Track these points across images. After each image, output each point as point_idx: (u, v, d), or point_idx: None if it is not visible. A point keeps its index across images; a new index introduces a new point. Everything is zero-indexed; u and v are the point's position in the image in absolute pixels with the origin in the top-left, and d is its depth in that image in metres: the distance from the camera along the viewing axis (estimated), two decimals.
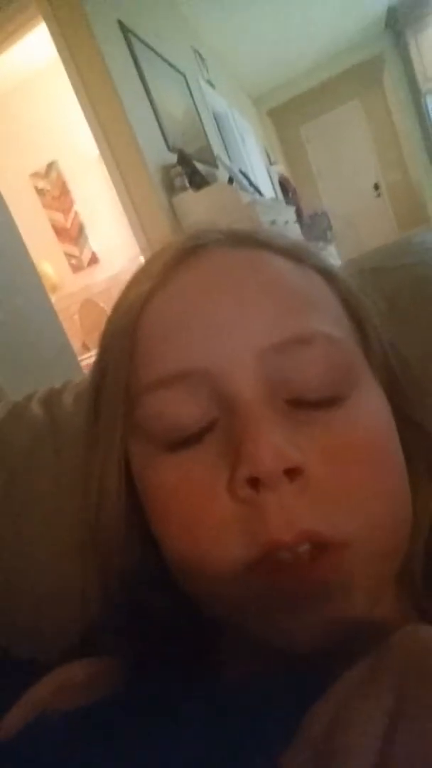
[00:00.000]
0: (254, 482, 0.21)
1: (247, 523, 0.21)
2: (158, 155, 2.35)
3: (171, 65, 2.81)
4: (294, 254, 0.26)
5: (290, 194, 4.64)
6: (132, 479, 0.27)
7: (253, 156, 4.23)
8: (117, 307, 0.28)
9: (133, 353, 0.25)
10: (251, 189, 3.12)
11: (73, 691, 0.23)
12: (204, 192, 2.31)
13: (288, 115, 5.75)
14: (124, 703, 0.22)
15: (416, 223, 5.47)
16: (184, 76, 2.99)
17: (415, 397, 0.27)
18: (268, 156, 4.89)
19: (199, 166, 2.51)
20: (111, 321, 0.28)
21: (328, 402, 0.23)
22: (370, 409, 0.24)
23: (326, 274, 0.27)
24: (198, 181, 2.35)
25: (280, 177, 4.86)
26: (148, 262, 0.28)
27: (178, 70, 2.90)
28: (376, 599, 0.22)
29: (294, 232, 3.27)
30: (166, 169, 2.34)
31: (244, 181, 3.14)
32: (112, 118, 2.14)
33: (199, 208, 2.26)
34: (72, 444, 0.38)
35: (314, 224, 4.58)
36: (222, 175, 2.95)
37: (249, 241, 0.27)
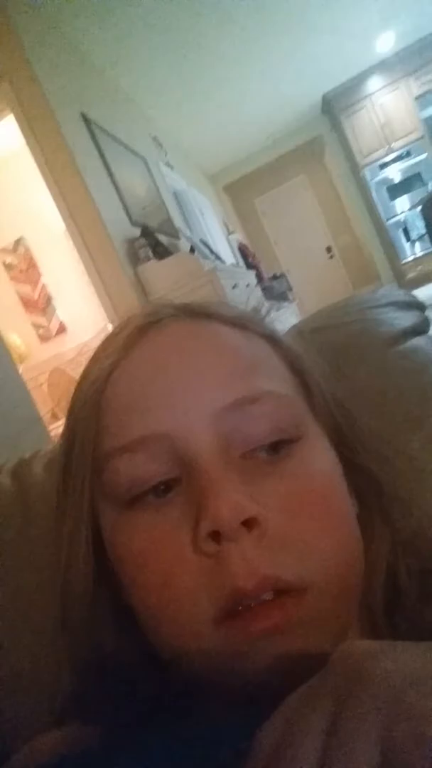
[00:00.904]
0: (216, 536, 0.22)
1: (213, 576, 0.22)
2: (122, 230, 2.49)
3: (131, 151, 3.04)
4: (240, 323, 0.29)
5: (250, 259, 4.91)
6: (102, 548, 0.27)
7: (212, 227, 4.50)
8: (82, 380, 0.30)
9: (98, 423, 0.27)
10: (212, 256, 3.30)
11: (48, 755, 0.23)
12: (167, 261, 2.43)
13: (242, 190, 6.22)
14: (98, 755, 0.22)
15: (368, 279, 5.85)
16: (144, 160, 3.22)
17: (360, 445, 0.30)
18: (226, 226, 5.21)
19: (162, 238, 2.66)
20: (77, 393, 0.30)
21: (278, 452, 0.25)
22: (318, 457, 0.26)
23: (270, 339, 0.30)
24: (161, 252, 2.48)
25: (239, 244, 5.16)
26: (110, 338, 0.30)
27: (138, 155, 3.14)
28: (338, 637, 0.23)
29: (255, 294, 3.43)
30: (131, 242, 2.47)
31: (205, 250, 3.33)
32: (77, 198, 2.28)
33: (163, 277, 2.37)
34: (43, 515, 0.38)
35: (274, 286, 4.82)
36: (184, 245, 3.12)
37: (200, 313, 0.29)
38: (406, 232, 4.96)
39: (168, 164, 3.81)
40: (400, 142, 4.94)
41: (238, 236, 5.50)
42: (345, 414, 0.30)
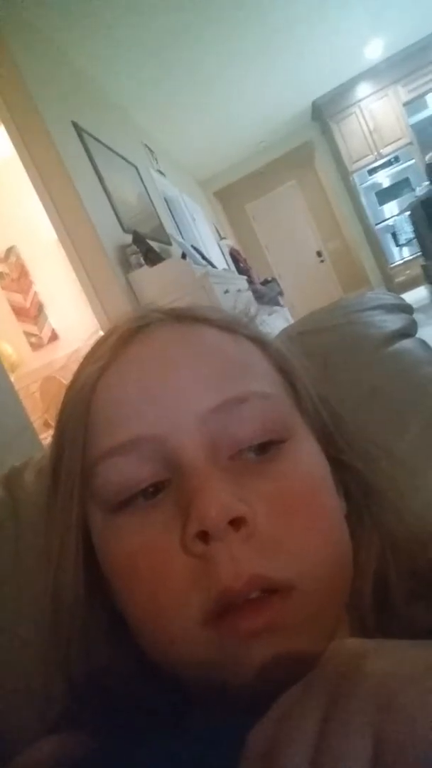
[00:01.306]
0: (204, 536, 0.22)
1: (201, 576, 0.22)
2: (114, 236, 2.49)
3: (123, 158, 3.05)
4: (228, 326, 0.29)
5: (241, 264, 4.93)
6: (93, 555, 0.27)
7: (204, 233, 4.52)
8: (71, 386, 0.30)
9: (87, 427, 0.27)
10: (204, 262, 3.32)
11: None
12: (159, 267, 2.44)
13: (233, 195, 6.25)
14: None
15: (358, 283, 5.89)
16: (136, 168, 3.24)
17: (347, 445, 0.30)
18: (218, 232, 5.23)
19: (153, 244, 2.67)
20: (66, 399, 0.30)
21: (266, 453, 0.25)
22: (305, 457, 0.26)
23: (258, 341, 0.30)
24: (153, 258, 2.48)
25: (230, 249, 5.19)
26: (98, 343, 0.30)
27: (129, 162, 3.15)
28: (326, 637, 0.23)
29: (247, 298, 3.45)
30: (122, 249, 2.48)
31: (197, 256, 3.34)
32: (68, 206, 2.28)
33: (155, 283, 2.37)
34: (34, 524, 0.38)
35: (266, 290, 4.84)
36: (176, 251, 3.13)
37: (187, 317, 0.30)
38: (394, 236, 5.00)
39: (159, 171, 3.83)
40: (389, 148, 5.00)
41: (230, 241, 5.53)
42: (332, 414, 0.31)
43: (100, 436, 0.26)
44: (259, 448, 0.25)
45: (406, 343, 0.41)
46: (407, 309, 0.48)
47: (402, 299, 0.50)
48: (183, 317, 0.30)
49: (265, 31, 3.38)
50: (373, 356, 0.39)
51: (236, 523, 0.22)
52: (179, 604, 0.22)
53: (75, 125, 2.53)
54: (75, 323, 3.08)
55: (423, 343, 0.42)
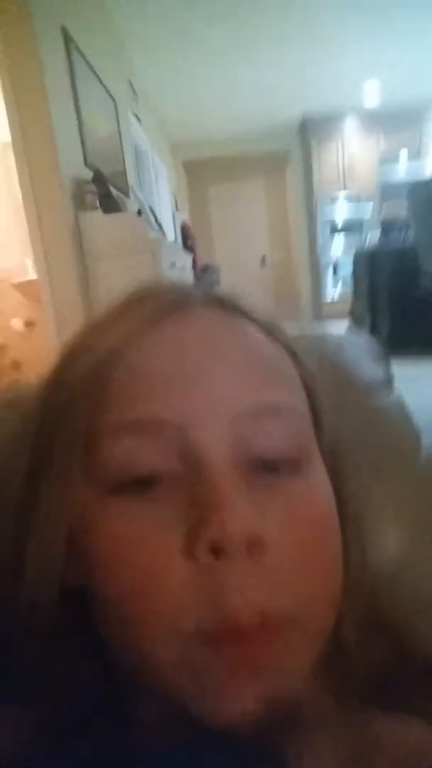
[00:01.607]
0: (216, 549, 0.21)
1: (203, 590, 0.21)
2: (74, 166, 2.29)
3: (105, 88, 2.82)
4: (269, 328, 0.28)
5: (189, 241, 4.85)
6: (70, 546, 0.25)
7: (162, 197, 4.36)
8: (79, 350, 0.26)
9: (100, 399, 0.24)
10: (156, 227, 3.20)
11: None
12: (113, 217, 2.29)
13: (201, 171, 6.12)
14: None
15: (290, 298, 6.13)
16: (115, 103, 3.01)
17: (348, 476, 0.30)
18: (175, 202, 5.09)
19: (112, 191, 2.51)
20: (70, 364, 0.26)
21: (279, 472, 0.24)
22: (319, 486, 0.25)
23: (291, 353, 0.29)
24: (109, 205, 2.33)
25: (182, 223, 5.07)
26: (121, 310, 0.27)
27: (110, 95, 2.91)
28: (307, 675, 0.23)
29: (188, 278, 3.40)
30: (79, 184, 2.29)
31: (152, 218, 3.21)
32: (33, 111, 2.04)
33: (105, 232, 2.23)
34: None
35: (205, 276, 4.82)
36: (131, 205, 2.98)
37: (231, 306, 0.28)
38: (335, 267, 5.30)
39: (137, 116, 3.60)
40: (355, 188, 5.26)
41: (184, 215, 5.41)
42: (339, 441, 0.29)
43: (117, 409, 0.23)
44: (273, 464, 0.24)
45: (388, 394, 0.43)
46: (385, 359, 0.50)
47: (378, 349, 0.51)
48: (227, 304, 0.28)
49: (290, 22, 3.34)
50: (363, 401, 0.40)
51: (253, 545, 0.21)
52: (172, 608, 0.21)
53: (64, 32, 2.27)
54: (5, 245, 2.78)
55: (401, 401, 0.44)
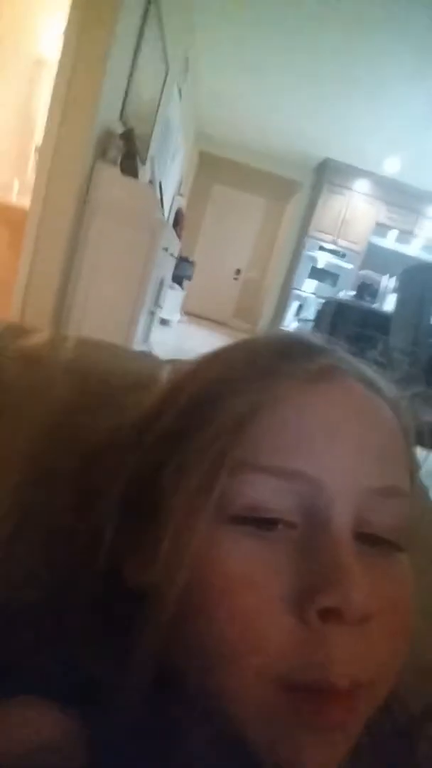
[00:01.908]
0: (328, 614, 0.22)
1: (306, 647, 0.22)
2: (111, 112, 2.21)
3: (164, 51, 2.74)
4: (395, 406, 0.29)
5: (178, 228, 4.80)
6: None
7: (172, 177, 4.29)
8: (238, 377, 0.28)
9: (246, 435, 0.25)
10: (159, 204, 3.15)
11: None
12: (129, 180, 2.23)
13: (214, 167, 6.10)
14: None
15: (250, 317, 6.27)
16: (167, 70, 2.94)
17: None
18: (179, 186, 5.02)
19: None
20: (224, 381, 0.28)
21: (387, 551, 0.25)
22: (411, 574, 0.27)
23: (404, 429, 0.29)
24: (128, 166, 2.27)
25: (178, 209, 5.02)
26: (285, 355, 0.28)
27: (166, 60, 2.84)
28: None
29: (169, 266, 3.36)
30: (109, 133, 2.20)
31: (158, 193, 3.15)
32: (96, 35, 1.93)
33: (115, 191, 2.16)
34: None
35: (180, 267, 4.80)
36: (144, 174, 2.91)
37: (372, 383, 0.29)
38: (300, 307, 5.50)
39: (180, 91, 3.53)
40: (345, 243, 5.53)
41: (182, 201, 5.35)
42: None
43: (261, 449, 0.25)
44: (380, 541, 0.25)
45: None
46: None
47: None
48: (366, 379, 0.29)
49: (351, 78, 3.47)
50: None
51: (366, 619, 0.22)
52: (269, 652, 0.22)
53: None
54: (3, 157, 2.57)
55: None
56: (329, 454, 0.25)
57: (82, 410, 0.35)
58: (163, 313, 3.85)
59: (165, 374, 0.36)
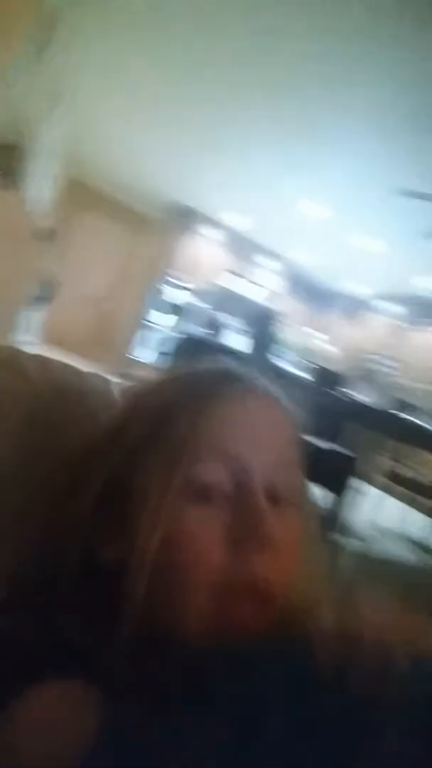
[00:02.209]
0: (249, 540, 0.33)
1: (236, 564, 0.33)
2: None
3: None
4: (289, 410, 0.40)
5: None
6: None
7: (41, 194, 4.20)
8: (187, 391, 0.38)
9: (196, 432, 0.35)
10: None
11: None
12: (8, 193, 2.19)
13: (83, 194, 6.05)
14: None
15: (99, 346, 5.91)
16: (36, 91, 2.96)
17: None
18: (48, 205, 4.90)
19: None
20: (178, 392, 0.38)
21: (286, 506, 0.36)
22: (299, 523, 0.38)
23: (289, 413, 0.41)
24: (10, 181, 2.23)
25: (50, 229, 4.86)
26: (223, 379, 0.39)
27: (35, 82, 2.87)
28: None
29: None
30: None
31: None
32: None
33: None
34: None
35: (44, 289, 4.68)
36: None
37: (275, 396, 0.40)
38: (158, 340, 5.73)
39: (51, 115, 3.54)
40: (198, 284, 5.95)
41: (50, 223, 5.20)
42: None
43: (209, 442, 0.35)
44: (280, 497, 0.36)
45: None
46: None
47: None
48: (273, 394, 0.40)
49: (224, 123, 3.64)
50: None
51: (272, 542, 0.33)
52: (213, 566, 0.33)
53: None
54: None
55: None
56: (251, 444, 0.36)
57: (44, 420, 0.43)
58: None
59: (117, 393, 0.47)
